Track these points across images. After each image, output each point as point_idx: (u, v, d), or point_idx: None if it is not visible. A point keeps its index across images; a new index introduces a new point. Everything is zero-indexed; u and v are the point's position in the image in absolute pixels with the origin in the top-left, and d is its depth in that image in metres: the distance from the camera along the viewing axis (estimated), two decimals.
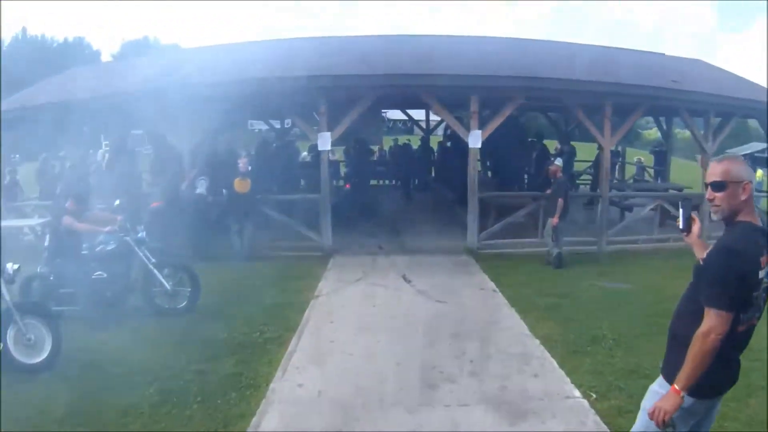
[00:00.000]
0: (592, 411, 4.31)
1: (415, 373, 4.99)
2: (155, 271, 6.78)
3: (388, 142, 20.41)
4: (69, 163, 12.22)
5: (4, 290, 5.45)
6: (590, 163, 16.32)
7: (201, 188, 9.59)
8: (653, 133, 35.88)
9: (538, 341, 5.82)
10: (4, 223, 11.50)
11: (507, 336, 6.03)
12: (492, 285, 8.02)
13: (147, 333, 6.20)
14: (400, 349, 5.58)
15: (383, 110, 24.46)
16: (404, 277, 8.39)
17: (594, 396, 4.53)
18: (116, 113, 10.68)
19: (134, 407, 4.41)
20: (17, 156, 17.09)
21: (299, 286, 7.82)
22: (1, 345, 5.25)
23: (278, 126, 19.09)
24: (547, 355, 5.45)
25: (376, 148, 19.39)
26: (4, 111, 10.54)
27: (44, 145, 12.93)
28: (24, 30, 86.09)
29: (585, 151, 17.20)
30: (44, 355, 5.48)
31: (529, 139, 16.00)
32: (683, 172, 17.22)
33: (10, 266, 5.69)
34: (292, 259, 9.35)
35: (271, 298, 7.29)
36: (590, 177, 16.31)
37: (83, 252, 6.84)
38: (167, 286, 6.79)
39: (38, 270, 6.91)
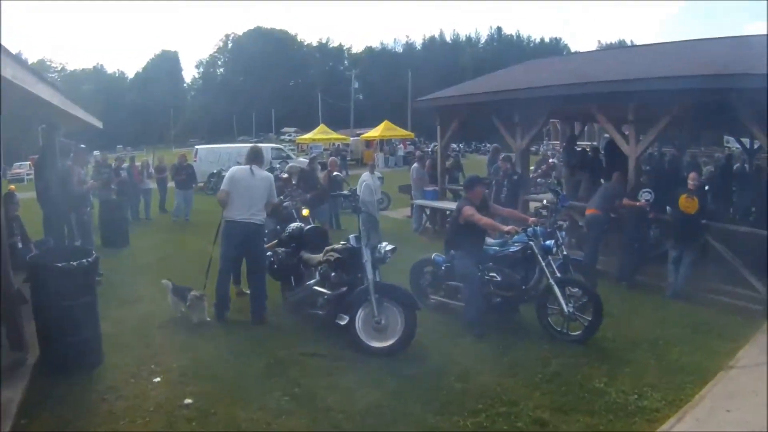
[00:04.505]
0: None
1: None
2: (555, 288, 6.73)
3: None
4: (503, 154, 13.39)
5: (368, 268, 6.30)
6: None
7: (644, 200, 9.17)
8: None
9: None
10: (439, 204, 13.55)
11: None
12: None
13: (516, 354, 6.31)
14: None
15: None
16: None
17: None
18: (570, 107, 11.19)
19: None
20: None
21: (717, 345, 6.74)
22: None
23: (749, 146, 17.19)
24: None
25: None
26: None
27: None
28: (499, 29, 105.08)
29: None
30: (390, 341, 6.14)
31: None
32: None
33: (384, 245, 6.62)
34: (722, 307, 8.17)
35: (675, 352, 6.46)
36: None
37: (482, 249, 7.34)
38: (565, 308, 6.65)
39: (432, 256, 7.77)
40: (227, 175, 7.30)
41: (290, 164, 14.34)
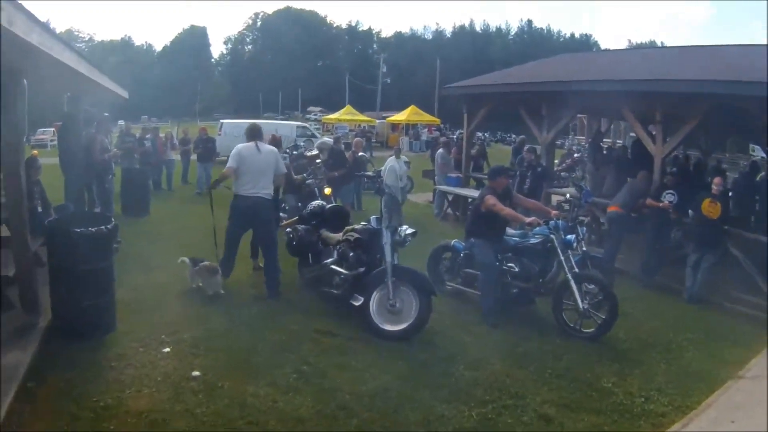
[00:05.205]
0: None
1: None
2: (572, 283, 6.65)
3: None
4: (528, 145, 13.28)
5: (387, 250, 6.27)
6: None
7: (667, 201, 9.04)
8: None
9: None
10: (462, 191, 13.46)
11: None
12: None
13: (528, 346, 6.29)
14: None
15: None
16: None
17: None
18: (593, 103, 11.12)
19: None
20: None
21: (728, 354, 6.66)
22: None
23: None
24: None
25: None
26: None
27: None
28: (530, 22, 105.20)
29: None
30: (403, 325, 6.12)
31: None
32: None
33: (404, 228, 6.59)
34: (737, 315, 8.11)
35: (687, 358, 6.42)
36: None
37: (502, 238, 7.27)
38: (580, 304, 6.57)
39: (452, 243, 7.73)
40: (233, 152, 7.31)
41: (322, 140, 14.38)
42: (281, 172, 7.46)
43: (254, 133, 7.35)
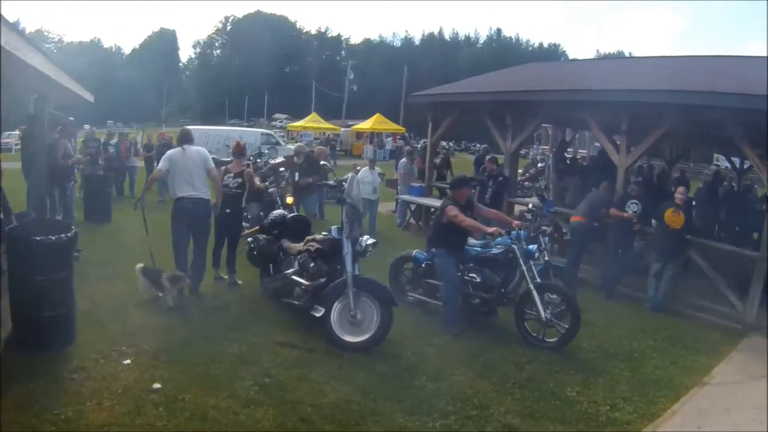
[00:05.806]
0: None
1: None
2: (534, 293, 6.71)
3: None
4: (489, 155, 13.45)
5: (348, 260, 6.29)
6: None
7: (631, 211, 9.19)
8: None
9: None
10: (424, 201, 13.48)
11: None
12: None
13: (491, 356, 6.33)
14: None
15: None
16: None
17: None
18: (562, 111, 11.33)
19: None
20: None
21: (692, 361, 6.80)
22: None
23: (739, 165, 17.52)
24: None
25: None
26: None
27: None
28: (498, 31, 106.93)
29: None
30: (364, 336, 6.13)
31: None
32: None
33: (365, 239, 6.60)
34: (701, 323, 8.29)
35: (650, 366, 6.52)
36: None
37: (464, 248, 7.32)
38: (543, 314, 6.64)
39: (413, 253, 7.76)
40: (164, 157, 7.49)
41: (298, 144, 14.45)
42: (210, 167, 7.50)
43: (182, 138, 7.58)
